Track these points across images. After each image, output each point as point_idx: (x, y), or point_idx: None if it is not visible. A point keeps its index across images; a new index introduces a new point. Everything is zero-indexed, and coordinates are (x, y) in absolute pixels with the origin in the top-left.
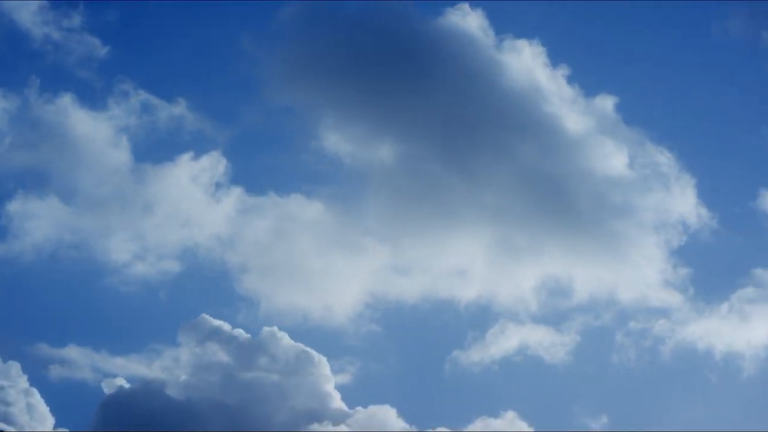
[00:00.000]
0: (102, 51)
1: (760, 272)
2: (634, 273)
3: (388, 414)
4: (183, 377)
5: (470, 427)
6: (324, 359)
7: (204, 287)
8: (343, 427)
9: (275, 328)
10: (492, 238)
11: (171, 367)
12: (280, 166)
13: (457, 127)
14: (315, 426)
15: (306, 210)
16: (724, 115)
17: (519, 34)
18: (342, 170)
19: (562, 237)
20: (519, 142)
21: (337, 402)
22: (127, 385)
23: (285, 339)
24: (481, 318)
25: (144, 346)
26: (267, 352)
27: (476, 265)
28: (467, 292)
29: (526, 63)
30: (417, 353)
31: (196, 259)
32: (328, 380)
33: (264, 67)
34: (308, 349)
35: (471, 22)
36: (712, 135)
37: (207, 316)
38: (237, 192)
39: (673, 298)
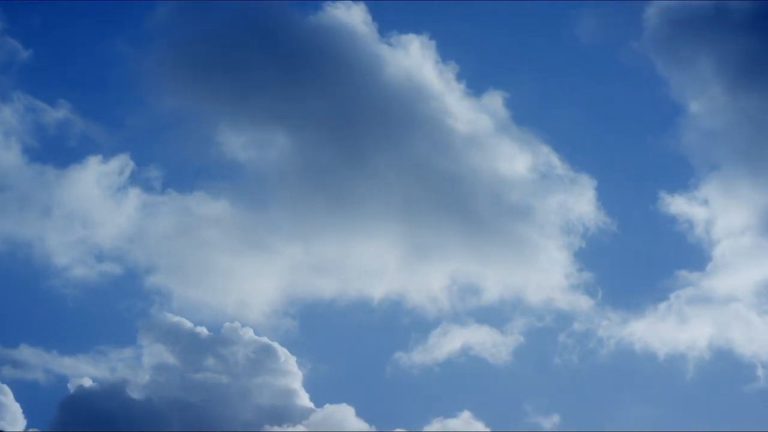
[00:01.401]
0: None
1: (664, 274)
2: (540, 275)
3: (346, 413)
4: (143, 376)
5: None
6: (289, 354)
7: (114, 288)
8: (300, 427)
9: (237, 324)
10: (399, 235)
11: (132, 367)
12: (177, 166)
13: (348, 124)
14: (276, 425)
15: (211, 208)
16: (619, 117)
17: (405, 30)
18: (241, 168)
19: (467, 237)
20: (410, 139)
21: (303, 400)
22: (86, 385)
23: (249, 334)
24: (392, 316)
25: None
26: (229, 348)
27: (387, 263)
28: (379, 291)
29: (414, 59)
30: (348, 352)
31: (101, 259)
32: (294, 377)
33: (145, 68)
34: (273, 343)
35: (355, 17)
36: (608, 137)
37: (167, 314)
38: (136, 192)
39: (579, 301)
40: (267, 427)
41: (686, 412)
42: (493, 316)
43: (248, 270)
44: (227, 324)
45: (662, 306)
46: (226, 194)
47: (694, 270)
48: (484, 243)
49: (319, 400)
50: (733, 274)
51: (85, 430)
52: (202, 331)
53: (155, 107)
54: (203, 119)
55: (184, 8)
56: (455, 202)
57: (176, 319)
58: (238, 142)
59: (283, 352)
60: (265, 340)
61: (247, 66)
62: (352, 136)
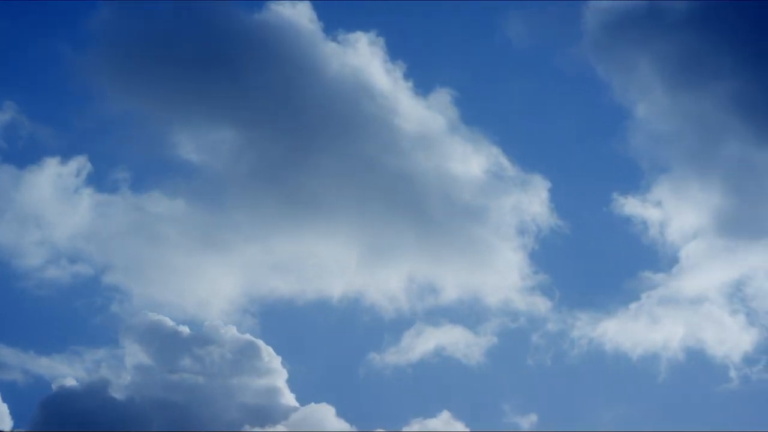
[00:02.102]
0: None
1: (625, 275)
2: (497, 277)
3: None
4: (125, 376)
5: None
6: (272, 351)
7: (73, 287)
8: (280, 427)
9: (220, 322)
10: (356, 235)
11: (112, 367)
12: (131, 167)
13: (297, 122)
14: (262, 424)
15: (167, 207)
16: (566, 121)
17: (353, 28)
18: (196, 167)
19: (422, 238)
20: (360, 138)
21: (286, 398)
22: (68, 385)
23: (231, 332)
24: (353, 315)
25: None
26: (208, 347)
27: (345, 262)
28: (338, 290)
29: (362, 57)
30: (315, 352)
31: (60, 260)
32: (279, 375)
33: (90, 69)
34: (258, 341)
35: (300, 15)
36: (558, 140)
37: (148, 313)
38: (90, 192)
39: (537, 302)
40: (247, 427)
41: (659, 411)
42: (454, 316)
43: (207, 269)
44: (207, 323)
45: (623, 308)
46: (182, 193)
47: (658, 271)
48: (439, 243)
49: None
50: (699, 275)
51: (67, 430)
52: (184, 330)
53: (103, 108)
54: (154, 119)
55: (126, 8)
56: (409, 202)
57: (157, 317)
58: (190, 141)
59: (267, 351)
60: (248, 337)
61: (193, 65)
62: (301, 135)
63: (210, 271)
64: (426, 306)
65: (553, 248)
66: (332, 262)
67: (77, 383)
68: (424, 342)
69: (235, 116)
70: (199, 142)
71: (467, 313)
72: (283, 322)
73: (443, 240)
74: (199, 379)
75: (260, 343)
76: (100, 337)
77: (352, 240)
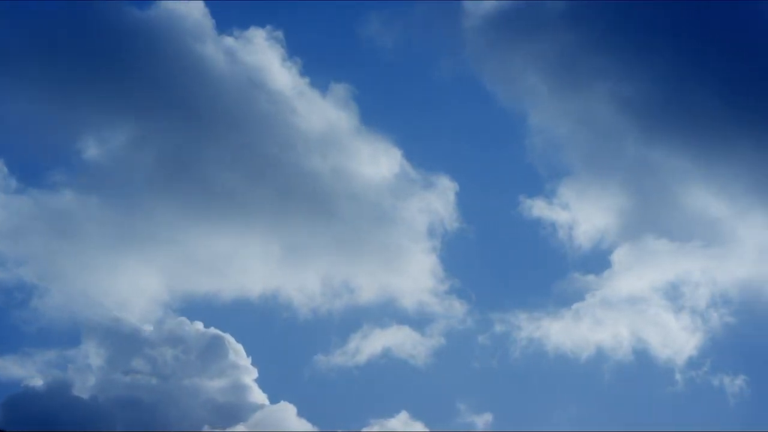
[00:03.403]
0: None
1: (529, 278)
2: (410, 278)
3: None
4: (89, 375)
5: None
6: (241, 348)
7: None
8: (240, 427)
9: (185, 318)
10: (273, 234)
11: (78, 367)
12: (34, 165)
13: (190, 119)
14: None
15: (79, 205)
16: (464, 127)
17: (246, 25)
18: (103, 164)
19: (335, 238)
20: (258, 136)
21: (255, 395)
22: (30, 385)
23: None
24: (272, 314)
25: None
26: (168, 346)
27: (261, 262)
28: (257, 288)
29: (258, 54)
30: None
31: None
32: (245, 371)
33: None
34: (225, 334)
35: (193, 12)
36: (460, 145)
37: (108, 311)
38: None
39: (449, 305)
40: (207, 428)
41: (606, 412)
42: (366, 318)
43: (126, 266)
44: (170, 320)
45: (545, 310)
46: (95, 191)
47: (572, 272)
48: (353, 244)
49: None
50: (623, 278)
51: (29, 430)
52: (146, 327)
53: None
54: (52, 119)
55: (14, 9)
56: (316, 202)
57: (117, 315)
58: (92, 139)
59: (236, 348)
60: (213, 330)
61: (88, 64)
62: (195, 131)
63: (129, 269)
64: (343, 307)
65: (466, 250)
66: (250, 260)
67: (44, 383)
68: (372, 343)
69: (132, 114)
70: (100, 140)
71: (381, 315)
72: (207, 320)
73: (356, 240)
74: (151, 380)
75: (230, 337)
76: (21, 336)
77: (269, 238)
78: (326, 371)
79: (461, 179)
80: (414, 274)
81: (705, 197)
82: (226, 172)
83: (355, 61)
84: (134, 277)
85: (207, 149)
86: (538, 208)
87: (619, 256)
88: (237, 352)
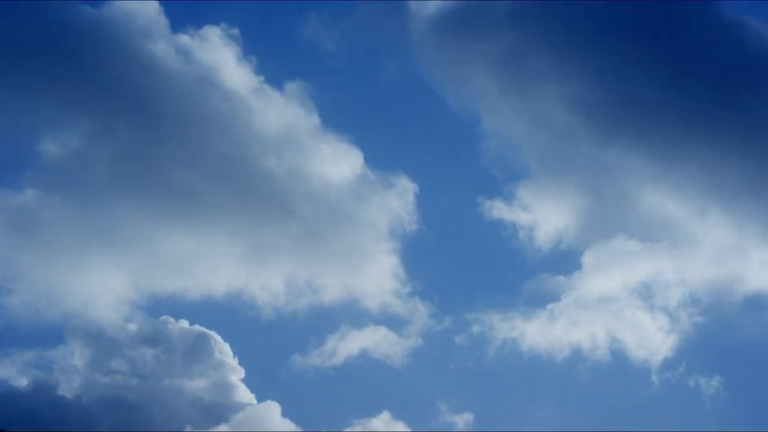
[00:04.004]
0: None
1: (494, 279)
2: (372, 279)
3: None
4: (75, 375)
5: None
6: (227, 347)
7: None
8: (223, 427)
9: (169, 317)
10: (236, 233)
11: (64, 367)
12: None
13: (149, 119)
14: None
15: (43, 204)
16: (420, 129)
17: (201, 24)
18: (65, 162)
19: (298, 239)
20: (214, 135)
21: (241, 394)
22: (16, 385)
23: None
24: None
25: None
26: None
27: (225, 261)
28: (221, 287)
29: (214, 53)
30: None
31: None
32: (232, 370)
33: None
34: (211, 332)
35: (147, 10)
36: (418, 147)
37: (94, 312)
38: None
39: (413, 307)
40: (189, 428)
41: (582, 412)
42: (330, 318)
43: (90, 265)
44: (155, 319)
45: (515, 310)
46: (57, 190)
47: (531, 270)
48: (315, 244)
49: None
50: (588, 277)
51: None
52: (132, 326)
53: None
54: (11, 119)
55: None
56: (277, 202)
57: (104, 314)
58: (50, 138)
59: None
60: (198, 328)
61: (41, 62)
62: (158, 133)
63: (94, 267)
64: (307, 307)
65: (427, 252)
66: (214, 259)
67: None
68: (347, 345)
69: (90, 113)
70: (60, 139)
71: (346, 315)
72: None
73: (319, 240)
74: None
75: (215, 336)
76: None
77: (234, 238)
78: (303, 372)
79: (420, 180)
80: (377, 276)
81: (661, 198)
82: (185, 171)
83: (306, 62)
84: (99, 275)
85: (165, 148)
86: (498, 210)
87: (587, 258)
88: (222, 351)
